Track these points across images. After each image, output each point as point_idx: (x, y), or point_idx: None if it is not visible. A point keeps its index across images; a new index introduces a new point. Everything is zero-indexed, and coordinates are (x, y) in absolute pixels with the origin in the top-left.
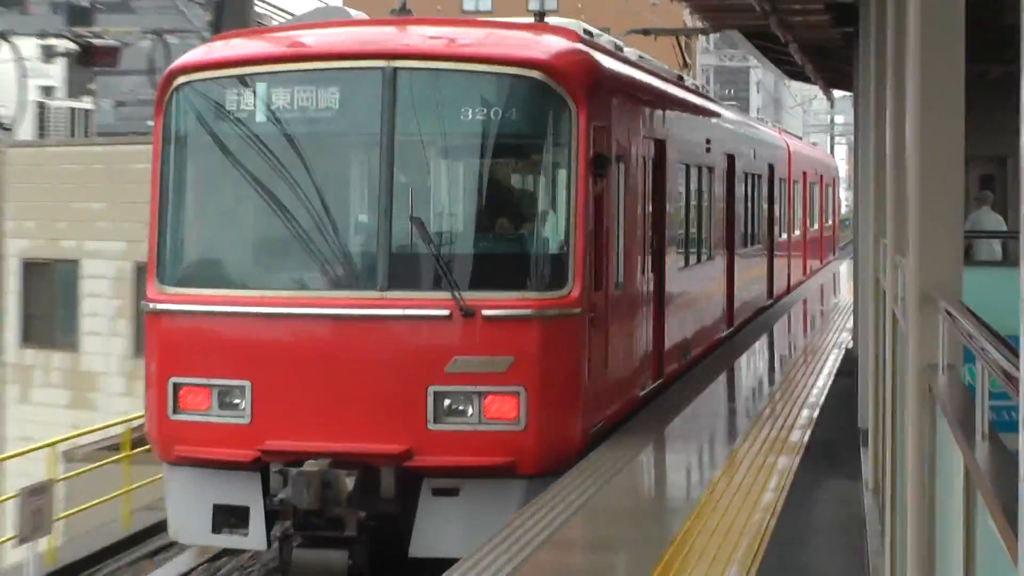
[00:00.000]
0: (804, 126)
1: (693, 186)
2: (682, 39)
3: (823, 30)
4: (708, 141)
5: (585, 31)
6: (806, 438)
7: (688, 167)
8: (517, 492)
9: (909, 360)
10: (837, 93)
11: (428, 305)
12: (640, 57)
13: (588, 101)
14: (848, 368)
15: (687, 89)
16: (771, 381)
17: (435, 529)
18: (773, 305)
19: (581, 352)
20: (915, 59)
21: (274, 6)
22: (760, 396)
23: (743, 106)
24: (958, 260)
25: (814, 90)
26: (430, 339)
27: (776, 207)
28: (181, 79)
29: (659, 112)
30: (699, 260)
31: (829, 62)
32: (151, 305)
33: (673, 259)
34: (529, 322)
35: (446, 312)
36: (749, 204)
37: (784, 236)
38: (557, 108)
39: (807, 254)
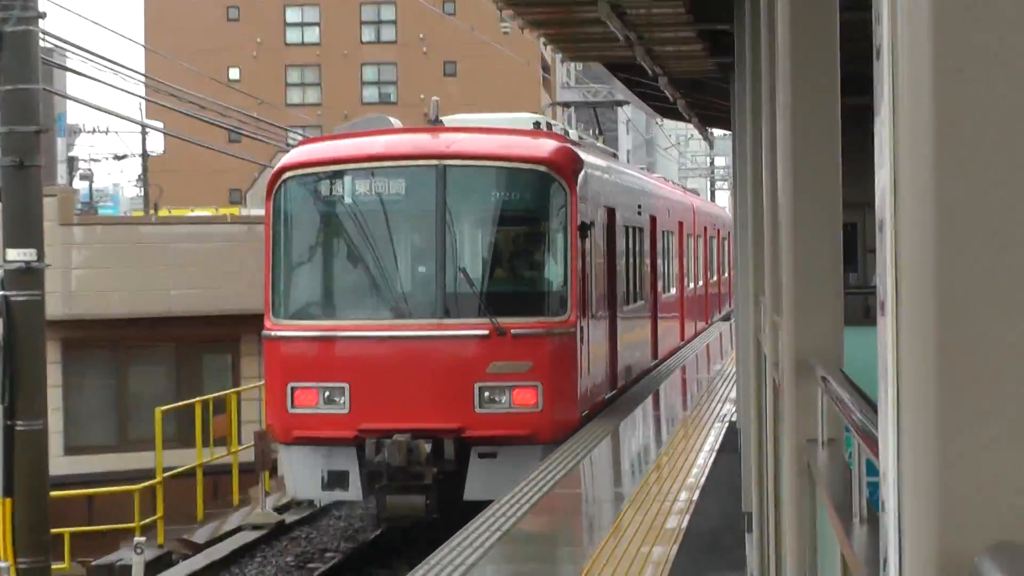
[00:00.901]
0: (680, 170)
1: (631, 244)
2: (559, 64)
3: (696, 61)
4: (639, 206)
5: (538, 123)
6: (685, 523)
7: (627, 228)
8: (536, 454)
9: (786, 434)
10: (716, 132)
11: (473, 327)
12: (580, 138)
13: (575, 184)
14: (732, 443)
15: (622, 164)
16: (658, 444)
17: (481, 481)
18: (684, 346)
19: (577, 359)
20: (785, 90)
21: (59, 39)
22: (647, 459)
23: (611, 147)
24: (837, 322)
25: (691, 129)
26: (475, 351)
27: (685, 260)
28: (288, 173)
29: (610, 186)
30: (636, 301)
31: (704, 97)
32: (271, 333)
33: (621, 299)
34: (543, 338)
35: (486, 332)
36: (667, 258)
37: (692, 286)
38: (556, 190)
39: (708, 304)
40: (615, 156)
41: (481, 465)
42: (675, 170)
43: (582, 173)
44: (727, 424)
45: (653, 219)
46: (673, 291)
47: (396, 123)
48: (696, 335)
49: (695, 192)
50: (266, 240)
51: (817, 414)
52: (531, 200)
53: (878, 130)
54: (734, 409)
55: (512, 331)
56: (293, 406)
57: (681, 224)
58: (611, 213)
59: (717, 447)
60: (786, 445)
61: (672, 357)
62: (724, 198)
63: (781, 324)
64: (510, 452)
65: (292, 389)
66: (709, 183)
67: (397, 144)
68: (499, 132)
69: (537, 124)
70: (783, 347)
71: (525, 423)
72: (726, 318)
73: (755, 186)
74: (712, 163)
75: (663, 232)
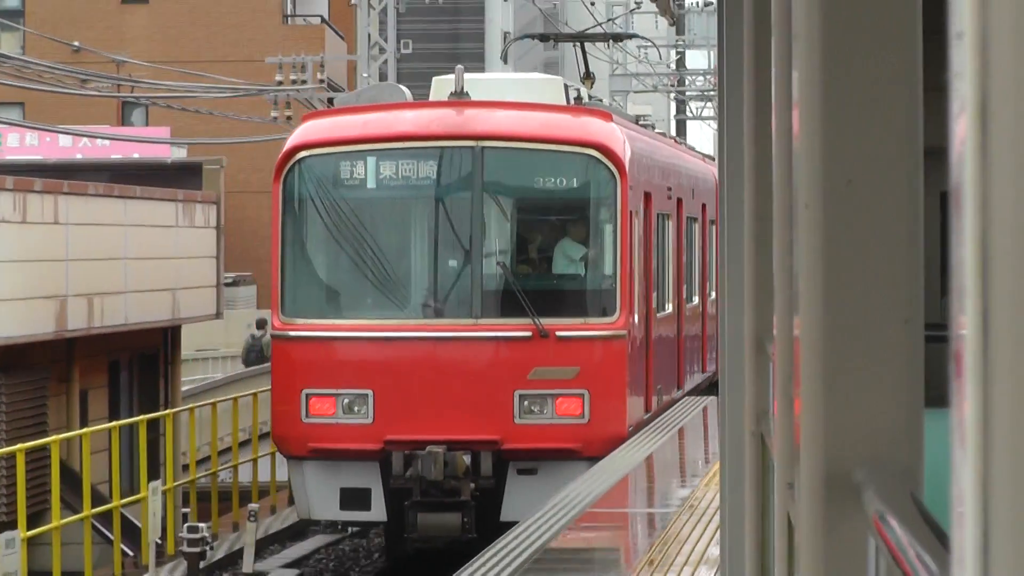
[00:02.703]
0: (613, 75)
1: (662, 236)
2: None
3: None
4: (669, 188)
5: (578, 94)
6: None
7: (659, 216)
8: (581, 471)
9: None
10: None
11: (513, 329)
12: (588, 98)
13: (626, 170)
14: None
15: (649, 134)
16: None
17: (520, 499)
18: (711, 378)
19: (626, 365)
20: None
21: None
22: None
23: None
24: (909, 398)
25: None
26: (515, 355)
27: (709, 258)
28: (302, 153)
29: (648, 166)
30: (665, 309)
31: None
32: (281, 332)
33: (655, 305)
34: (592, 341)
35: (528, 334)
36: (690, 254)
37: (714, 295)
38: (606, 177)
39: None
40: (636, 121)
41: (520, 482)
42: (605, 74)
43: (629, 156)
44: None
45: (679, 203)
46: (696, 301)
47: (407, 94)
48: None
49: (711, 158)
50: (274, 228)
51: None
52: (578, 188)
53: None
54: None
55: (557, 333)
56: (308, 415)
57: (704, 208)
58: (648, 199)
59: None
60: None
61: (696, 390)
62: (706, 137)
63: (802, 404)
64: (552, 468)
65: (307, 396)
66: (672, 106)
67: (427, 121)
68: (537, 108)
69: (578, 98)
70: (804, 449)
71: (569, 436)
72: (711, 387)
73: (758, 118)
74: (680, 62)
75: (687, 219)
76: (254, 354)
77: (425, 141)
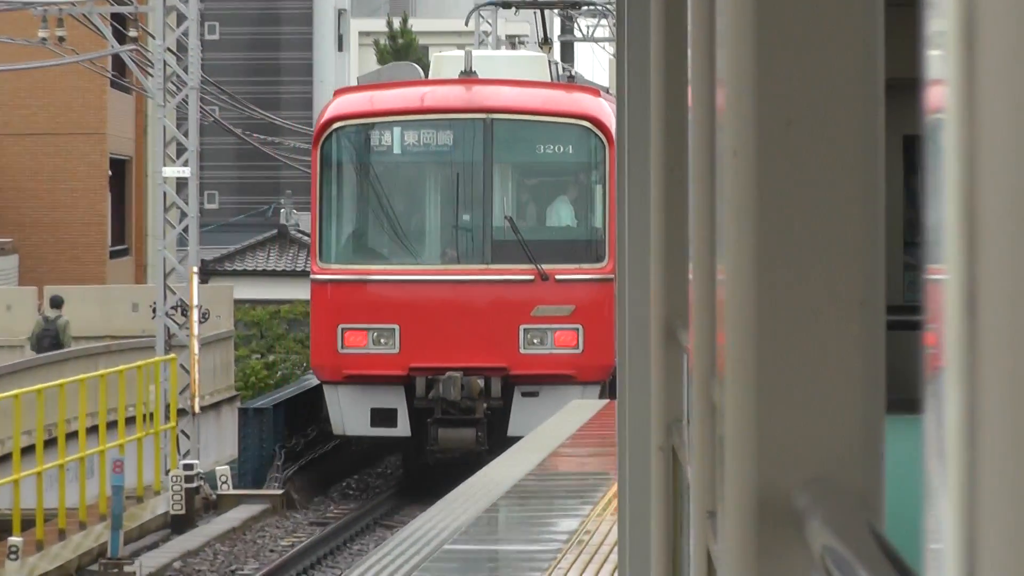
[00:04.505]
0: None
1: None
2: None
3: None
4: None
5: (551, 62)
6: None
7: None
8: (575, 394)
9: None
10: None
11: (519, 273)
12: (572, 76)
13: (613, 138)
14: None
15: None
16: None
17: (524, 417)
18: None
19: (615, 304)
20: None
21: None
22: None
23: None
24: (867, 403)
25: None
26: (520, 294)
27: None
28: (337, 124)
29: None
30: None
31: None
32: (319, 276)
33: None
34: (585, 283)
35: (531, 277)
36: None
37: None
38: (597, 144)
39: None
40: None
41: (524, 403)
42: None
43: (615, 126)
44: None
45: None
46: None
47: (421, 72)
48: None
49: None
50: (312, 187)
51: None
52: (574, 153)
53: None
54: None
55: (555, 276)
56: (343, 347)
57: None
58: None
59: None
60: None
61: None
62: (601, 64)
63: (724, 409)
64: (551, 391)
65: (342, 330)
66: (556, 23)
67: (444, 97)
68: (536, 85)
69: (571, 77)
70: (729, 467)
71: (566, 364)
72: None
73: (669, 39)
74: None
75: None
76: (47, 340)
77: (443, 114)
